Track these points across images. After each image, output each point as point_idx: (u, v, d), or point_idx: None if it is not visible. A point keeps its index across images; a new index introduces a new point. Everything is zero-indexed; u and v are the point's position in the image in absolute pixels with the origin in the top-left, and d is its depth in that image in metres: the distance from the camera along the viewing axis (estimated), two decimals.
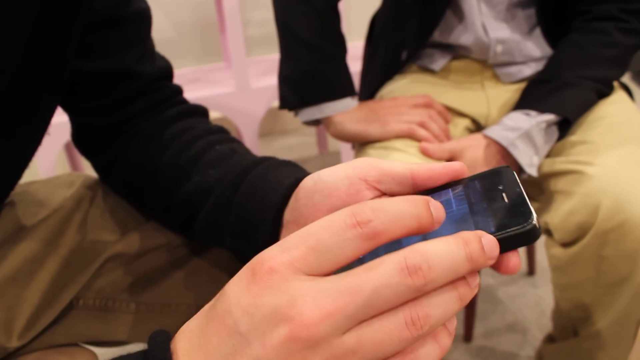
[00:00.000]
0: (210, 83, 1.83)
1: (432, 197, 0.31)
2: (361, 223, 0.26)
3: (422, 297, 0.26)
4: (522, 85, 0.92)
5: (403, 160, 0.81)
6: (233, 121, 1.81)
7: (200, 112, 0.61)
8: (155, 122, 0.58)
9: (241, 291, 0.26)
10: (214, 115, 2.20)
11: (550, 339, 0.96)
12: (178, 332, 0.29)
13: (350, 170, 0.38)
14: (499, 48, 0.92)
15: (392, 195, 0.37)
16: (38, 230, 0.56)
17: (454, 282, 0.27)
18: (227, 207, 0.47)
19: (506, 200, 0.32)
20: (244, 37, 1.72)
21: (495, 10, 0.90)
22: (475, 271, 0.28)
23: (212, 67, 1.98)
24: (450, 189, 0.35)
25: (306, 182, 0.41)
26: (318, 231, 0.26)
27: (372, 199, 0.37)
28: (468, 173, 0.36)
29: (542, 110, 0.82)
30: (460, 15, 0.91)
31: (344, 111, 0.88)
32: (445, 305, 0.26)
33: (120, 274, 0.58)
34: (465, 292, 0.27)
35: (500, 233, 0.29)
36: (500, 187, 0.33)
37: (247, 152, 0.54)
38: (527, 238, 0.30)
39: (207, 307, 0.28)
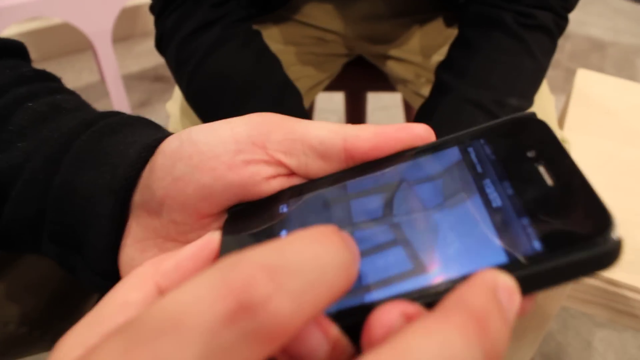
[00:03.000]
0: None
1: (392, 182, 0.20)
2: (249, 309, 0.13)
3: None
4: None
5: None
6: (79, 27, 1.55)
7: (10, 50, 0.40)
8: None
9: None
10: (52, 22, 1.89)
11: None
12: None
13: (241, 128, 0.25)
14: None
15: (307, 174, 0.25)
16: None
17: None
18: (41, 197, 0.30)
19: (550, 181, 0.19)
20: None
21: None
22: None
23: None
24: (425, 159, 0.22)
25: (169, 144, 0.26)
26: (155, 338, 0.13)
27: (270, 178, 0.25)
28: (434, 138, 0.24)
29: None
30: None
31: None
32: None
33: None
34: None
35: (552, 256, 0.17)
36: (532, 155, 0.20)
37: (77, 106, 0.34)
38: (602, 262, 0.17)
39: None
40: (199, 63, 0.59)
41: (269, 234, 0.22)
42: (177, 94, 0.72)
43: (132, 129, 0.30)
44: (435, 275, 0.18)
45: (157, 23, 0.63)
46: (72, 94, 0.37)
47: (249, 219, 0.24)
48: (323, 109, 1.62)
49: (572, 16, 0.63)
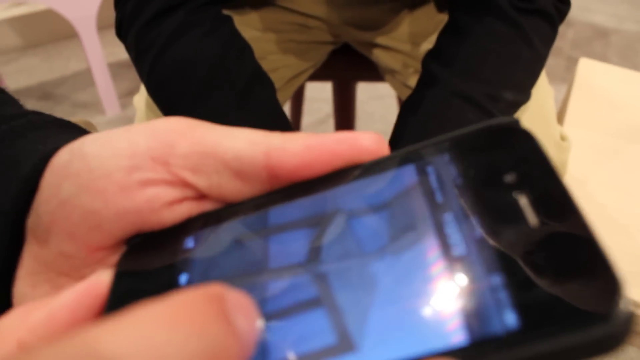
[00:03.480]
0: None
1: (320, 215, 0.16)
2: None
3: None
4: None
5: None
6: (62, 13, 1.49)
7: None
8: None
9: None
10: (38, 7, 1.83)
11: None
12: None
13: (140, 137, 0.20)
14: None
15: (221, 197, 0.20)
16: None
17: None
18: None
19: (535, 220, 0.14)
20: None
21: None
22: None
23: None
24: (369, 183, 0.17)
25: (60, 157, 0.22)
26: None
27: (174, 203, 0.20)
28: (387, 151, 0.19)
29: None
30: None
31: None
32: None
33: None
34: None
35: (531, 338, 0.12)
36: (512, 181, 0.15)
37: None
38: (605, 345, 0.12)
39: None
40: (160, 52, 0.54)
41: (168, 277, 0.18)
42: (144, 87, 0.67)
43: (40, 133, 0.25)
44: (366, 357, 0.13)
45: (117, 7, 0.57)
46: None
47: (147, 256, 0.19)
48: (314, 98, 1.57)
49: (575, 2, 0.58)
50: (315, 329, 0.14)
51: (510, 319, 0.12)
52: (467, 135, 0.17)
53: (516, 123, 0.17)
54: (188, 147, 0.19)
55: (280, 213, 0.18)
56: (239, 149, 0.19)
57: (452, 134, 0.17)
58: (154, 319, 0.11)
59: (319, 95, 1.56)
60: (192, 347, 0.11)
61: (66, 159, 0.21)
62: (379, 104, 1.58)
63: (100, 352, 0.10)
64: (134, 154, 0.19)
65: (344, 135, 0.18)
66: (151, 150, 0.19)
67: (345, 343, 0.13)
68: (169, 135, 0.20)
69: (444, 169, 0.16)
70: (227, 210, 0.19)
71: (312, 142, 0.18)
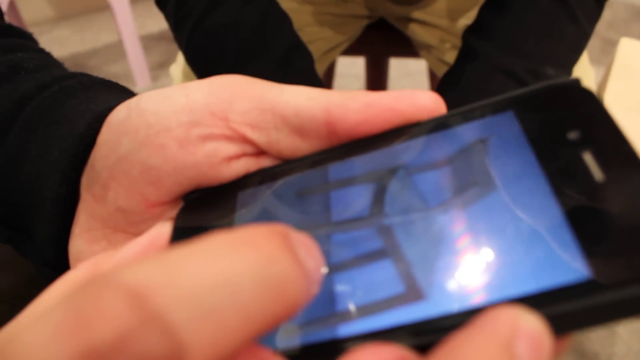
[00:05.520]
0: None
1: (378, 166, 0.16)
2: (96, 356, 0.10)
3: None
4: None
5: None
6: None
7: None
8: None
9: None
10: None
11: None
12: None
13: (198, 93, 0.20)
14: None
15: (279, 153, 0.20)
16: None
17: None
18: None
19: (600, 175, 0.14)
20: None
21: None
22: None
23: None
24: (430, 140, 0.17)
25: (117, 113, 0.22)
26: None
27: (232, 159, 0.20)
28: (444, 109, 0.19)
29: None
30: None
31: None
32: None
33: None
34: None
35: (601, 287, 0.12)
36: (575, 138, 0.15)
37: (40, 66, 0.29)
38: None
39: None
40: (198, 19, 0.54)
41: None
42: (181, 56, 0.68)
43: (90, 94, 0.25)
44: (433, 304, 0.13)
45: None
46: (39, 52, 0.32)
47: (206, 210, 0.19)
48: (344, 74, 1.56)
49: None
50: (382, 279, 0.14)
51: (580, 269, 0.13)
52: (529, 94, 0.17)
53: (577, 82, 0.17)
54: (247, 103, 0.19)
55: (340, 169, 0.18)
56: (299, 104, 0.19)
57: (513, 93, 0.17)
58: (221, 246, 0.11)
59: (349, 71, 1.55)
60: (259, 274, 0.11)
61: (124, 116, 0.21)
62: (408, 81, 1.56)
63: (169, 273, 0.10)
64: (193, 109, 0.20)
65: (403, 92, 0.19)
66: (210, 105, 0.20)
67: (413, 291, 0.14)
68: (227, 91, 0.20)
69: (504, 127, 0.16)
70: (285, 167, 0.19)
71: (371, 99, 0.18)
